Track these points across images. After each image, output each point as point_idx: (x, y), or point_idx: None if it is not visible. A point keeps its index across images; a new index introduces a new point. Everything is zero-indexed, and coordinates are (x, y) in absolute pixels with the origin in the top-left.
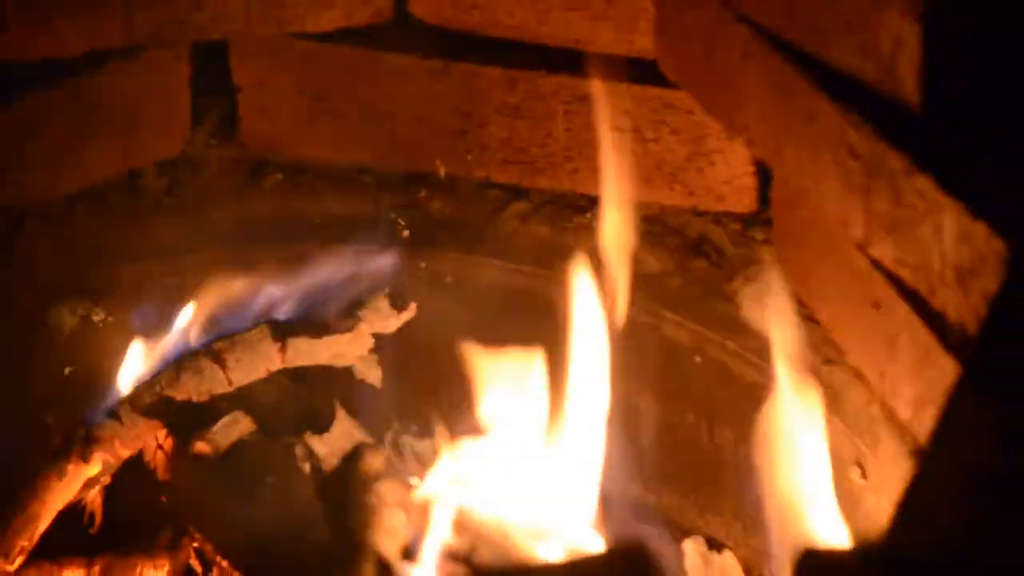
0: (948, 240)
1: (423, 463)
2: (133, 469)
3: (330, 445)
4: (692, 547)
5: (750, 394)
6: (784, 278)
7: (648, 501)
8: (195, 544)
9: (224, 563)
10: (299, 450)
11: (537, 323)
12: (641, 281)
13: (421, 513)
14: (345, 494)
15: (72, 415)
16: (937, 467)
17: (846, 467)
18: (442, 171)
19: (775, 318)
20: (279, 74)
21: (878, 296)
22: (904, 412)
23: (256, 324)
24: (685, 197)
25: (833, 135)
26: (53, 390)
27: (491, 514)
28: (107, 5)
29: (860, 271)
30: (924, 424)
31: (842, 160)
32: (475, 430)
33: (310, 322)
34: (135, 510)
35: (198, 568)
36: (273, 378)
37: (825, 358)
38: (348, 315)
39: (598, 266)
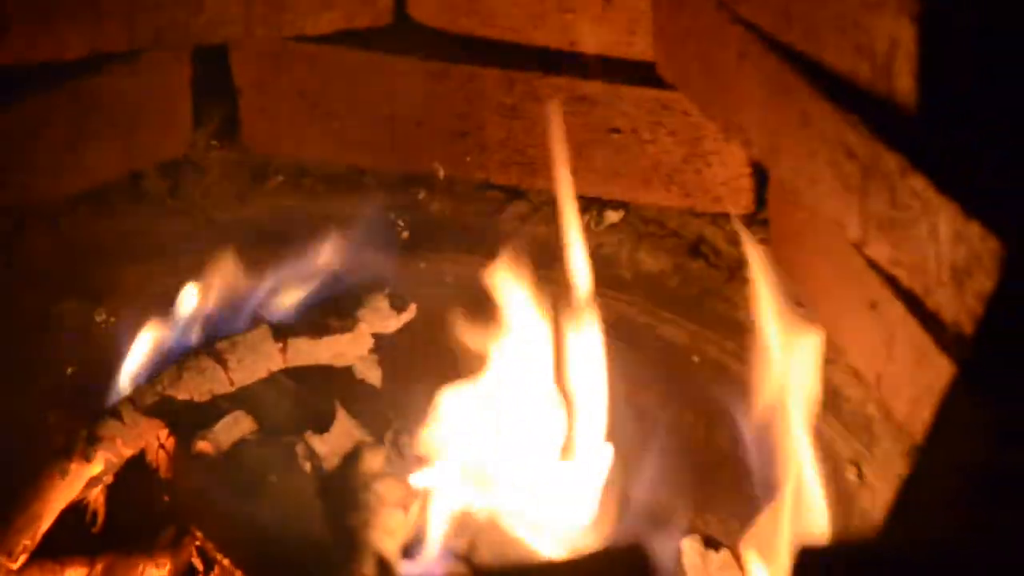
0: (943, 240)
1: (423, 462)
2: (135, 468)
3: (330, 444)
4: (690, 545)
5: (746, 393)
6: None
7: (646, 500)
8: (197, 542)
9: (225, 561)
10: (300, 449)
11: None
12: (639, 281)
13: (420, 512)
14: (345, 493)
15: (75, 414)
16: (933, 466)
17: (843, 466)
18: (441, 172)
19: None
20: (280, 76)
21: (874, 296)
22: (900, 411)
23: (257, 324)
24: (682, 198)
25: (829, 136)
26: (56, 390)
27: (490, 513)
28: (109, 9)
29: (856, 271)
30: (920, 423)
31: (838, 161)
32: (474, 429)
33: (310, 322)
34: (137, 509)
35: (200, 566)
36: (274, 378)
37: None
38: (348, 315)
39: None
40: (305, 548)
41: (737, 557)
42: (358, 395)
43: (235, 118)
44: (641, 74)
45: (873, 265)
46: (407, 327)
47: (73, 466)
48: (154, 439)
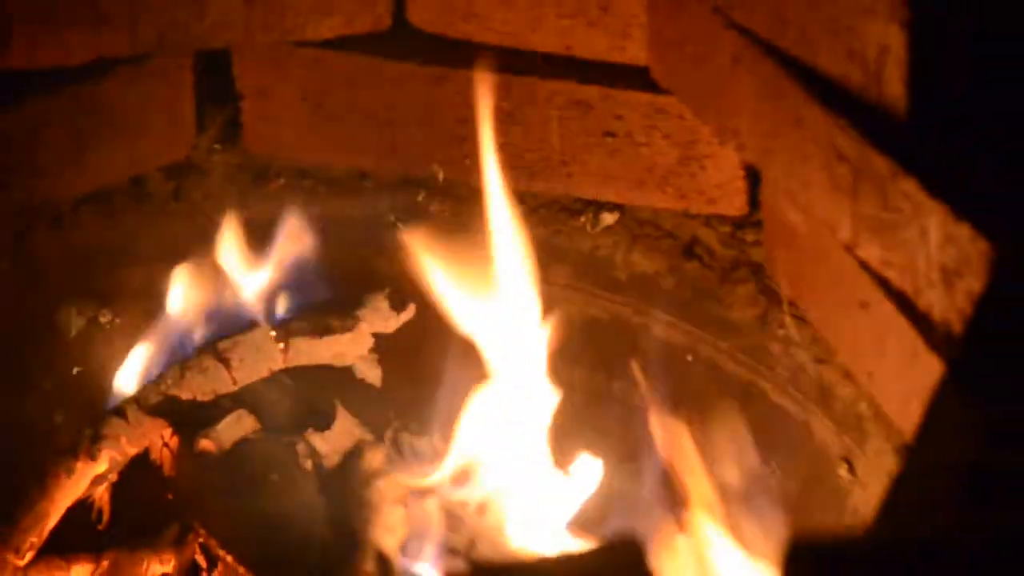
0: (933, 241)
1: (422, 460)
2: (139, 466)
3: (331, 443)
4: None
5: (742, 392)
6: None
7: (643, 496)
8: (200, 539)
9: (228, 558)
10: (301, 448)
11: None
12: (634, 282)
13: (420, 509)
14: (346, 491)
15: (80, 414)
16: (923, 464)
17: (835, 463)
18: (441, 175)
19: None
20: (281, 81)
21: (866, 297)
22: (891, 409)
23: (258, 324)
24: (677, 200)
25: (821, 139)
26: (61, 390)
27: (489, 510)
28: (112, 15)
29: (848, 272)
30: (911, 421)
31: (830, 164)
32: (473, 428)
33: (311, 322)
34: (142, 507)
35: (203, 563)
36: (276, 377)
37: (815, 357)
38: (348, 315)
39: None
40: (306, 545)
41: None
42: (358, 394)
43: (237, 122)
44: (636, 78)
45: (864, 266)
46: (406, 326)
47: (79, 465)
48: (158, 438)
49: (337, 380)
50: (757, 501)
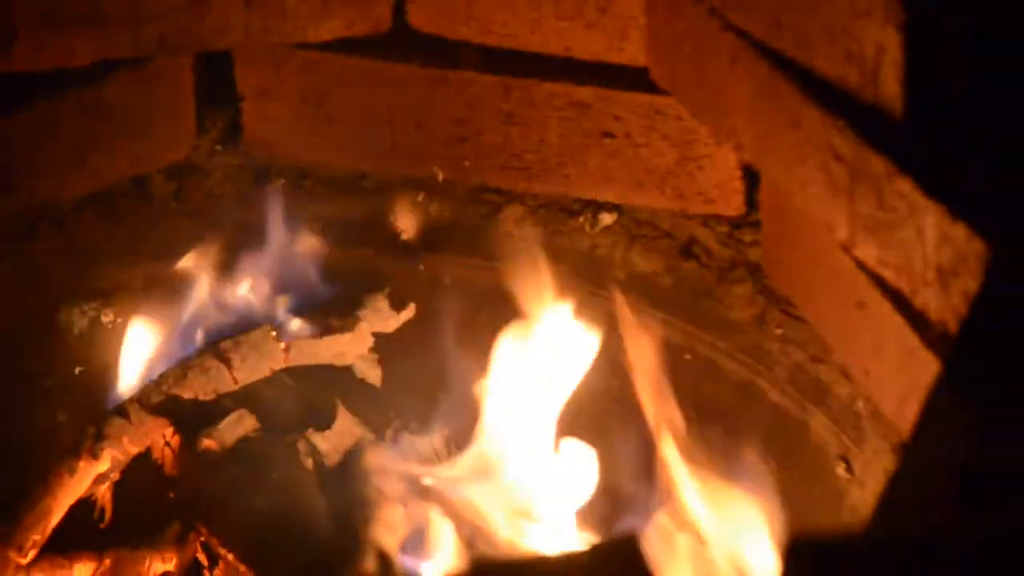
0: (929, 241)
1: (422, 458)
2: (141, 465)
3: (332, 441)
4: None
5: (739, 390)
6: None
7: (641, 494)
8: (202, 538)
9: (230, 556)
10: (302, 446)
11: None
12: (633, 281)
13: (420, 507)
14: (346, 489)
15: (82, 413)
16: (920, 462)
17: (833, 462)
18: (440, 176)
19: None
20: (281, 83)
21: (862, 296)
22: (888, 407)
23: (260, 324)
24: (675, 200)
25: (818, 140)
26: (63, 389)
27: (488, 508)
28: (115, 17)
29: (845, 272)
30: (907, 420)
31: (827, 164)
32: (473, 426)
33: (312, 322)
34: (144, 505)
35: (204, 561)
36: (277, 377)
37: (812, 356)
38: (348, 315)
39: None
40: (307, 543)
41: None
42: (358, 393)
43: (238, 123)
44: (635, 79)
45: (861, 266)
46: (406, 326)
47: (81, 464)
48: (160, 437)
49: (338, 380)
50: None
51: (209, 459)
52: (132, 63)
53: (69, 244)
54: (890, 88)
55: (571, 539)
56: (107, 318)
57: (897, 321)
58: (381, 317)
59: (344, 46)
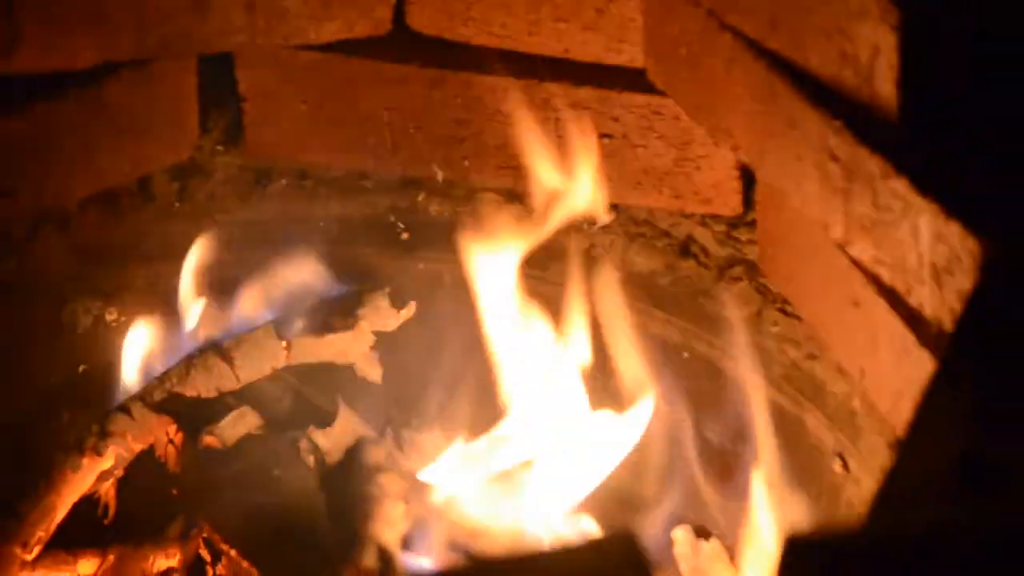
0: (924, 240)
1: (423, 456)
2: (145, 462)
3: (333, 439)
4: (681, 536)
5: (736, 388)
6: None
7: (639, 492)
8: (204, 534)
9: (232, 552)
10: (303, 444)
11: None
12: (631, 280)
13: (421, 504)
14: (347, 486)
15: (86, 411)
16: (915, 459)
17: (829, 458)
18: (440, 176)
19: None
20: (283, 84)
21: (858, 294)
22: (884, 405)
23: (261, 323)
24: (672, 200)
25: (814, 140)
26: (68, 387)
27: (488, 505)
28: (118, 19)
29: (841, 270)
30: (902, 417)
31: (822, 164)
32: (472, 424)
33: (313, 321)
34: (147, 502)
35: (207, 557)
36: (278, 375)
37: (808, 353)
38: (349, 314)
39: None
40: (308, 539)
41: (727, 547)
42: (360, 391)
43: (239, 124)
44: (632, 80)
45: (857, 264)
46: (406, 325)
47: (85, 461)
48: (163, 434)
49: (339, 378)
50: None
51: (211, 456)
52: (135, 65)
53: (74, 243)
54: (885, 88)
55: (570, 535)
56: (111, 316)
57: (892, 319)
58: (382, 316)
59: (345, 47)
